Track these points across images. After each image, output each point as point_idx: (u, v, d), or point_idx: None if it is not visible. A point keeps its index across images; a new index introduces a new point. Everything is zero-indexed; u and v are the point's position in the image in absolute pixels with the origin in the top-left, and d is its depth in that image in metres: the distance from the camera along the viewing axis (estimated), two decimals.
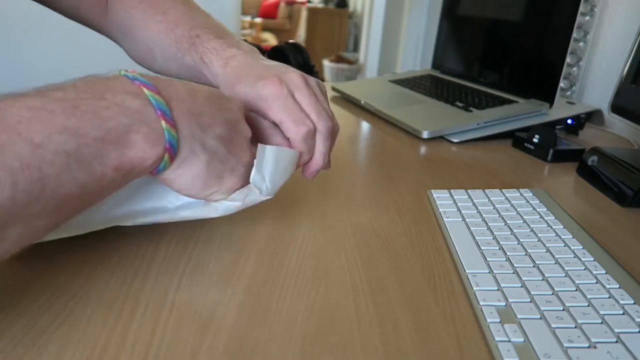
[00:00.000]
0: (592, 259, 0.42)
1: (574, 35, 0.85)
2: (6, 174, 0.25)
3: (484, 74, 1.03)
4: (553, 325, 0.33)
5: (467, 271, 0.40)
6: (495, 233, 0.46)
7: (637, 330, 0.33)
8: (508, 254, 0.42)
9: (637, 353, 0.30)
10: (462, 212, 0.50)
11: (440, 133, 0.79)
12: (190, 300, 0.35)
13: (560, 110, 0.87)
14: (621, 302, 0.36)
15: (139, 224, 0.41)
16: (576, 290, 0.37)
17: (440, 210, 0.51)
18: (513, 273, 0.39)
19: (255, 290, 0.37)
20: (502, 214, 0.50)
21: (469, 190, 0.56)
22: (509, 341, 0.32)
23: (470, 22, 1.09)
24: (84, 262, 0.39)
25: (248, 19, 5.14)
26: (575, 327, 0.33)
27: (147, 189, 0.41)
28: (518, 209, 0.51)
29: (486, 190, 0.56)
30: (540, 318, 0.34)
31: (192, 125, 0.34)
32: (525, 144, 0.75)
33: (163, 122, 0.32)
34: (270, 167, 0.40)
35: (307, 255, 0.42)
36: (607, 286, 0.37)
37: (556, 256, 0.42)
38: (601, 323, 0.33)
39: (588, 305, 0.35)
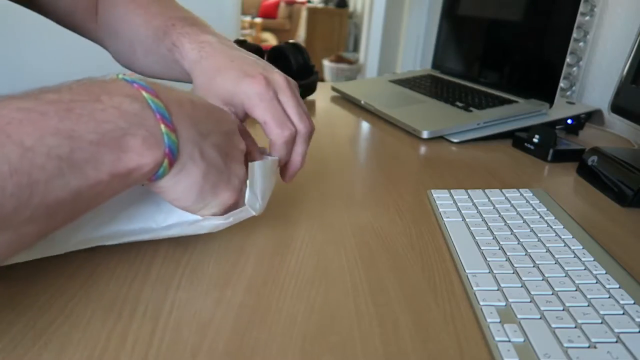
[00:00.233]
0: (592, 259, 0.42)
1: (574, 35, 0.85)
2: None
3: (484, 74, 1.03)
4: (553, 325, 0.33)
5: (467, 271, 0.40)
6: (495, 233, 0.46)
7: (637, 330, 0.33)
8: (508, 254, 0.42)
9: (637, 353, 0.30)
10: (462, 212, 0.50)
11: (440, 133, 0.79)
12: (190, 300, 0.35)
13: (560, 110, 0.87)
14: (621, 302, 0.36)
15: (124, 242, 0.39)
16: (576, 290, 0.37)
17: (440, 210, 0.51)
18: (513, 273, 0.39)
19: (255, 290, 0.37)
20: (502, 214, 0.50)
21: (469, 190, 0.56)
22: (509, 341, 0.32)
23: (470, 22, 1.09)
24: (84, 262, 0.39)
25: (248, 19, 5.14)
26: (575, 327, 0.33)
27: (133, 210, 0.39)
28: (518, 209, 0.51)
29: (486, 190, 0.56)
30: (540, 318, 0.34)
31: (191, 131, 0.34)
32: (525, 144, 0.75)
33: (162, 126, 0.31)
34: (259, 184, 0.40)
35: (307, 255, 0.42)
36: (607, 286, 0.37)
37: (556, 256, 0.42)
38: (601, 323, 0.33)
39: (588, 305, 0.35)
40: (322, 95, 1.06)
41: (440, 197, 0.54)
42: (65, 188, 0.27)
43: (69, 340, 0.31)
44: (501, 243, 0.44)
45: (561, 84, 1.01)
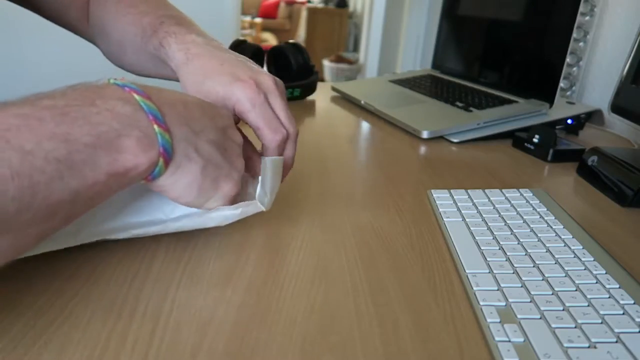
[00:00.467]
0: (592, 259, 0.42)
1: (574, 35, 0.85)
2: None
3: (484, 74, 1.03)
4: (553, 325, 0.33)
5: (467, 271, 0.40)
6: (495, 233, 0.46)
7: (637, 330, 0.33)
8: (508, 254, 0.42)
9: (637, 353, 0.30)
10: (462, 212, 0.50)
11: (440, 133, 0.79)
12: (190, 300, 0.35)
13: (560, 110, 0.87)
14: (621, 302, 0.36)
15: (132, 237, 0.40)
16: (576, 290, 0.37)
17: (440, 210, 0.51)
18: (513, 273, 0.39)
19: (255, 290, 0.37)
20: (502, 214, 0.50)
21: (469, 190, 0.56)
22: (509, 341, 0.32)
23: (470, 22, 1.09)
24: (84, 262, 0.39)
25: (248, 19, 5.14)
26: (575, 327, 0.33)
27: (141, 203, 0.40)
28: (518, 209, 0.51)
29: (486, 190, 0.56)
30: (540, 318, 0.34)
31: (185, 129, 0.34)
32: (525, 144, 0.75)
33: (156, 127, 0.32)
34: (269, 181, 0.41)
35: (307, 255, 0.42)
36: (607, 286, 0.37)
37: (556, 256, 0.42)
38: (601, 323, 0.33)
39: (588, 305, 0.35)
40: (322, 95, 1.06)
41: (440, 197, 0.54)
42: (64, 189, 0.28)
43: (69, 340, 0.31)
44: (501, 243, 0.44)
45: (561, 84, 1.01)
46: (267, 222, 0.47)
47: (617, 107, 0.71)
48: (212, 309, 0.34)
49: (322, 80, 3.47)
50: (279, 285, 0.38)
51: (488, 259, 0.41)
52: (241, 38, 0.99)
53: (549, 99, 0.85)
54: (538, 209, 0.51)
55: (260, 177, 0.41)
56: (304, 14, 5.13)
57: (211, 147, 0.36)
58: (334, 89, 1.07)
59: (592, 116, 0.93)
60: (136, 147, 0.31)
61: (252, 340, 0.32)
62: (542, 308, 0.35)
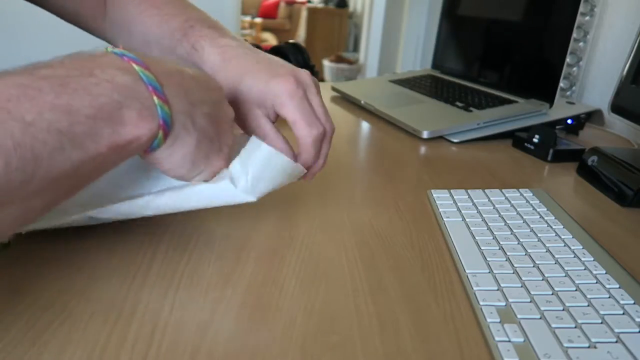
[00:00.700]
0: (592, 259, 0.42)
1: (574, 35, 0.84)
2: None
3: (484, 74, 1.03)
4: (553, 325, 0.33)
5: (467, 271, 0.40)
6: (495, 233, 0.46)
7: (637, 330, 0.33)
8: (508, 254, 0.42)
9: (637, 353, 0.30)
10: (462, 212, 0.50)
11: (440, 133, 0.79)
12: (190, 300, 0.35)
13: (560, 110, 0.87)
14: (621, 302, 0.36)
15: (119, 218, 0.39)
16: (576, 290, 0.37)
17: (440, 210, 0.51)
18: (513, 273, 0.39)
19: (255, 290, 0.37)
20: (502, 214, 0.50)
21: (469, 190, 0.56)
22: (509, 341, 0.32)
23: (470, 22, 1.09)
24: (84, 262, 0.39)
25: (248, 19, 5.14)
26: (575, 327, 0.33)
27: (122, 178, 0.40)
28: (518, 209, 0.51)
29: (486, 190, 0.56)
30: (540, 318, 0.34)
31: (183, 101, 0.34)
32: (525, 144, 0.75)
33: (155, 98, 0.32)
34: (257, 166, 0.38)
35: (307, 255, 0.42)
36: (607, 286, 0.37)
37: (556, 256, 0.42)
38: (601, 323, 0.33)
39: (588, 305, 0.35)
40: (322, 95, 1.06)
41: (440, 197, 0.54)
42: (67, 161, 0.28)
43: (69, 340, 0.31)
44: (501, 243, 0.44)
45: (561, 84, 1.01)
46: (267, 222, 0.47)
47: (617, 107, 0.71)
48: (212, 309, 0.34)
49: (322, 80, 3.47)
50: (279, 285, 0.38)
51: (488, 259, 0.41)
52: (241, 38, 0.99)
53: (549, 99, 0.85)
54: (538, 209, 0.51)
55: (242, 150, 0.38)
56: (304, 14, 5.13)
57: (206, 120, 0.36)
58: (334, 89, 1.07)
59: (592, 116, 0.93)
60: (137, 119, 0.30)
61: (252, 340, 0.32)
62: (542, 308, 0.35)
